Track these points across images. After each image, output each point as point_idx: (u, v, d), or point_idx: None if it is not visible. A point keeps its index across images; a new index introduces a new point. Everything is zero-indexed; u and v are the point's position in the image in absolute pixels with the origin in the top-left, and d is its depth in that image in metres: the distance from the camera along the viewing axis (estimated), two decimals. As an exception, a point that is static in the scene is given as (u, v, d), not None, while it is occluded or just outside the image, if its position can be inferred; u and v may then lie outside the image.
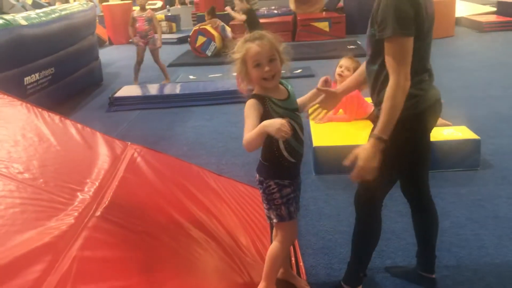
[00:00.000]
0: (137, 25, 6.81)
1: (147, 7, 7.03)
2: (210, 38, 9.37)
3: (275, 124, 1.66)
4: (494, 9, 11.55)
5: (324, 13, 11.12)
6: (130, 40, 7.10)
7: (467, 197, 3.09)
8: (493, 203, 2.99)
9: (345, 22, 10.56)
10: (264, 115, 1.82)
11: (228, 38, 9.19)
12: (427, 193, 2.16)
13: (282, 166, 1.93)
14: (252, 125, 1.78)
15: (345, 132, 3.72)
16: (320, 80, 2.11)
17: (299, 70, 7.34)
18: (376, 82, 1.90)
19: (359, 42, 9.28)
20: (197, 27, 9.66)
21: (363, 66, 2.09)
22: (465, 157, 3.47)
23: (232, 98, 5.85)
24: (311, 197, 3.22)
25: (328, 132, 3.71)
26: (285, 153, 1.89)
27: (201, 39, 9.42)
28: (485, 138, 4.01)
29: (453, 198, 3.09)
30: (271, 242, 2.43)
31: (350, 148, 2.14)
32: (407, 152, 1.92)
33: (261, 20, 10.58)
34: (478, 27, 10.35)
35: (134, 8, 10.36)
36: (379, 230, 2.09)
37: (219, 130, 4.84)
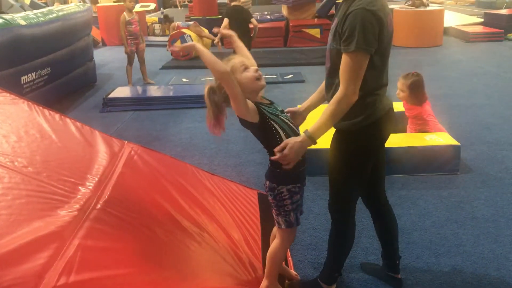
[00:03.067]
0: (131, 27, 6.94)
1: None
2: (180, 34, 9.75)
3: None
4: (481, 20, 11.84)
5: (316, 20, 11.32)
6: (129, 50, 7.05)
7: (448, 199, 3.26)
8: (472, 205, 3.16)
9: (336, 29, 10.76)
10: (261, 119, 1.91)
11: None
12: (384, 200, 2.27)
13: (294, 170, 1.97)
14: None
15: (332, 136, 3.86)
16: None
17: (290, 76, 7.51)
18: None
19: (349, 49, 9.47)
20: (168, 42, 9.98)
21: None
22: (446, 162, 3.63)
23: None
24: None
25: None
26: None
27: (178, 43, 9.63)
28: (466, 144, 4.21)
29: (435, 200, 3.25)
30: (262, 237, 2.58)
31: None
32: (366, 160, 2.02)
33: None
34: (465, 37, 10.62)
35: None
36: (353, 233, 2.19)
37: (211, 132, 4.96)
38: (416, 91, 3.89)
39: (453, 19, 11.93)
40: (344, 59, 1.81)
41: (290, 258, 2.57)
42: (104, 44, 12.28)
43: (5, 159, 2.30)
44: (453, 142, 3.70)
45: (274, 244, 2.15)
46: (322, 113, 1.88)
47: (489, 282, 2.36)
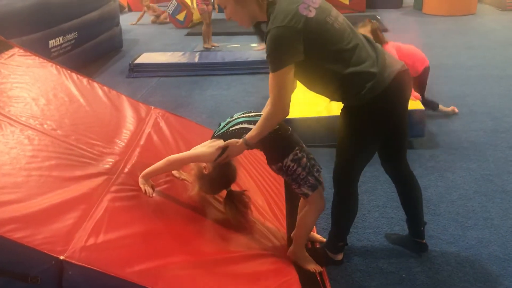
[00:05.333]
0: None
1: None
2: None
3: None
4: (519, -13, 11.31)
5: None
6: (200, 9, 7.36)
7: (477, 172, 3.18)
8: (502, 178, 3.08)
9: (366, -4, 10.46)
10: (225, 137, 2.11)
11: None
12: (405, 169, 2.25)
13: (284, 139, 2.05)
14: None
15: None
16: None
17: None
18: (330, 95, 1.98)
19: (379, 17, 9.22)
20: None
21: None
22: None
23: (249, 68, 5.95)
24: (326, 166, 3.32)
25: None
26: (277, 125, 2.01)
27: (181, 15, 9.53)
28: (499, 116, 4.10)
29: (463, 172, 3.19)
30: (286, 204, 2.59)
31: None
32: (373, 133, 1.99)
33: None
34: (501, 5, 10.16)
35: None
36: (357, 203, 2.20)
37: (237, 100, 4.94)
38: (379, 33, 3.72)
39: (489, -15, 11.43)
40: (270, 77, 1.85)
41: (314, 226, 2.57)
42: (130, 10, 12.25)
43: (35, 122, 2.34)
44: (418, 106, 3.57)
45: (305, 211, 2.16)
46: (257, 124, 1.97)
47: (517, 256, 2.33)
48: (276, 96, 1.86)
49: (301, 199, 2.19)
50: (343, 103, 1.97)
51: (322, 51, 1.83)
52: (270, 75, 1.84)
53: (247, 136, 1.99)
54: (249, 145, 2.01)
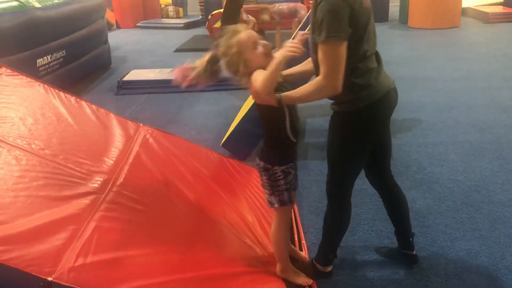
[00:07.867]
0: None
1: None
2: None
3: (285, 48, 1.75)
4: (501, 0, 11.54)
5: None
6: None
7: (464, 183, 3.22)
8: (489, 189, 3.12)
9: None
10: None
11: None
12: (389, 179, 2.27)
13: (288, 149, 2.01)
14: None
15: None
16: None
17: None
18: None
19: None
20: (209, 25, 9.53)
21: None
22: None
23: (238, 84, 5.97)
24: (315, 180, 3.35)
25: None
26: (290, 134, 1.96)
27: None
28: (484, 127, 4.16)
29: (451, 184, 3.22)
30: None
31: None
32: (363, 142, 2.00)
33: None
34: (484, 18, 10.37)
35: None
36: (349, 217, 2.19)
37: (226, 115, 4.95)
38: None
39: (471, -1, 11.66)
40: (320, 50, 1.78)
41: (304, 241, 2.58)
42: (118, 27, 12.28)
43: (22, 142, 2.33)
44: None
45: (273, 226, 2.16)
46: (302, 87, 1.84)
47: (505, 267, 2.34)
48: (330, 67, 1.73)
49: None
50: (333, 105, 1.96)
51: (353, 45, 1.78)
52: (321, 46, 1.74)
53: (284, 94, 1.85)
54: (280, 103, 1.85)
